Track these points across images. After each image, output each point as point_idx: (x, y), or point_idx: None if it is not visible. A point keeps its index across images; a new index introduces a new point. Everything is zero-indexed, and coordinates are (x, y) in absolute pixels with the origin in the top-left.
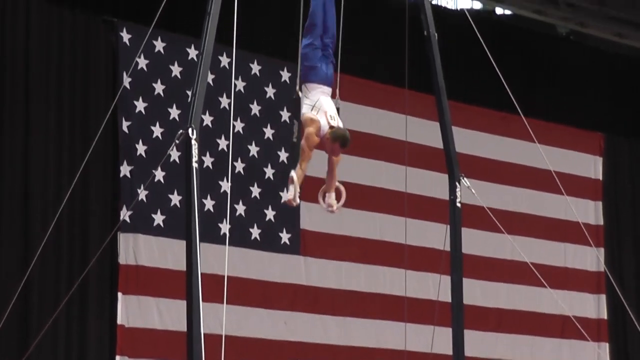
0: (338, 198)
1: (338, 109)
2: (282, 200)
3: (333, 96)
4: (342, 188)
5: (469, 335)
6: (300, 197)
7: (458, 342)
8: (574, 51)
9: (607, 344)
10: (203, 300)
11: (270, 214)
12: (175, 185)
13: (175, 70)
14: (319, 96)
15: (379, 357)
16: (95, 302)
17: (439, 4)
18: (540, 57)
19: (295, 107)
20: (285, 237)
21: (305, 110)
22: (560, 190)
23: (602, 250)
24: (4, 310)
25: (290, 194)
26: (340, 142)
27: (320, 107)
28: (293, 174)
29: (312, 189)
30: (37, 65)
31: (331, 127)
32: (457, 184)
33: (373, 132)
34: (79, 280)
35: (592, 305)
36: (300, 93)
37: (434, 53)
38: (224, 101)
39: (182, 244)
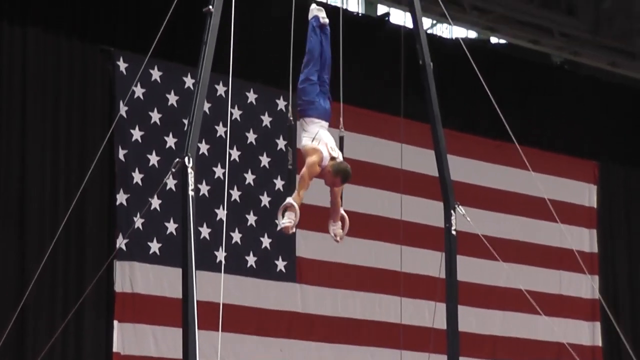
0: (342, 226)
1: (342, 138)
2: (278, 228)
3: (337, 126)
4: (346, 216)
5: None
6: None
7: None
8: (568, 80)
9: None
10: (199, 328)
11: (266, 241)
12: (172, 213)
13: (172, 98)
14: (318, 129)
15: None
16: (92, 329)
17: (435, 33)
18: (535, 86)
19: (290, 134)
20: (281, 264)
21: (306, 142)
22: (554, 218)
23: (596, 277)
24: (0, 337)
25: (287, 221)
26: (342, 176)
27: (320, 139)
28: (291, 201)
29: (307, 216)
30: (34, 93)
31: (332, 158)
32: (452, 211)
33: (369, 160)
34: (75, 308)
35: (586, 333)
36: (291, 119)
37: (429, 82)
38: (220, 129)
39: (178, 272)
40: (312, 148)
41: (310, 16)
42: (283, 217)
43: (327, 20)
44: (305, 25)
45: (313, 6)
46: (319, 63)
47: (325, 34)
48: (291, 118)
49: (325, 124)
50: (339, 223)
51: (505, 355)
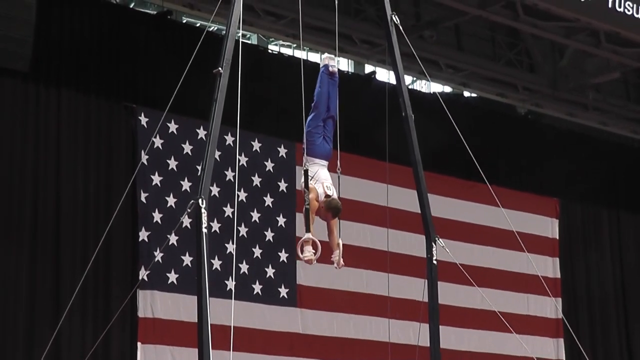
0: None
1: (339, 177)
2: (305, 259)
3: (334, 170)
4: (340, 243)
5: None
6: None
7: None
8: (532, 128)
9: None
10: (212, 348)
11: (270, 271)
12: (187, 248)
13: (187, 148)
14: (317, 168)
15: None
16: (118, 350)
17: (415, 88)
18: (503, 133)
19: (306, 178)
20: (283, 291)
21: None
22: (522, 248)
23: (559, 300)
24: (39, 356)
25: (308, 255)
26: (333, 212)
27: (318, 178)
28: (310, 235)
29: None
30: (68, 144)
31: (327, 195)
32: (433, 243)
33: (360, 199)
34: (104, 332)
35: (552, 348)
36: (307, 165)
37: (411, 131)
38: (229, 174)
39: (193, 299)
40: (310, 187)
41: (321, 64)
42: (302, 251)
43: (336, 69)
44: (309, 82)
45: (325, 55)
46: (324, 110)
47: (333, 81)
48: (305, 164)
49: (325, 162)
50: (337, 251)
51: None
